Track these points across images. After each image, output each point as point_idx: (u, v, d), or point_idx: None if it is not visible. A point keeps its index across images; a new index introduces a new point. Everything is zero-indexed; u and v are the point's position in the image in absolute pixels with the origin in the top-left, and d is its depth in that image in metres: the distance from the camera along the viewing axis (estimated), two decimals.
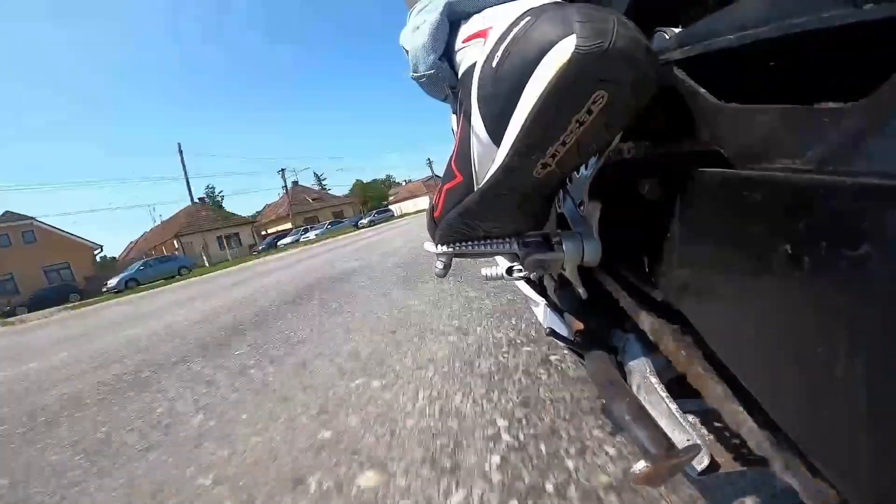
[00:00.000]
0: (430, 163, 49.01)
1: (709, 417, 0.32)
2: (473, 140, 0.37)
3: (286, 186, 38.73)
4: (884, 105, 0.15)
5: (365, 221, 30.17)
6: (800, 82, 0.20)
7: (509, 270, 0.51)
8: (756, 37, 0.20)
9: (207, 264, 22.50)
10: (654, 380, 0.38)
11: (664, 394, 0.36)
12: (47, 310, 15.22)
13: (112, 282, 19.76)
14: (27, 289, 22.85)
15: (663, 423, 0.33)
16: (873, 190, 0.14)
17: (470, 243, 0.45)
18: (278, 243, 27.69)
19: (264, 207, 45.34)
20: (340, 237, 19.26)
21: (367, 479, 0.83)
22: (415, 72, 0.46)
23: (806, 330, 0.18)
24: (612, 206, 0.42)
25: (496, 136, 0.33)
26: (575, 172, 0.52)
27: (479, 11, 0.39)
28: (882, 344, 0.14)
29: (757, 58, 0.22)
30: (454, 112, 0.51)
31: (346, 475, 0.85)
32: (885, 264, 0.14)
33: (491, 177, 0.36)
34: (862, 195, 0.14)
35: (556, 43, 0.26)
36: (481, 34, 0.36)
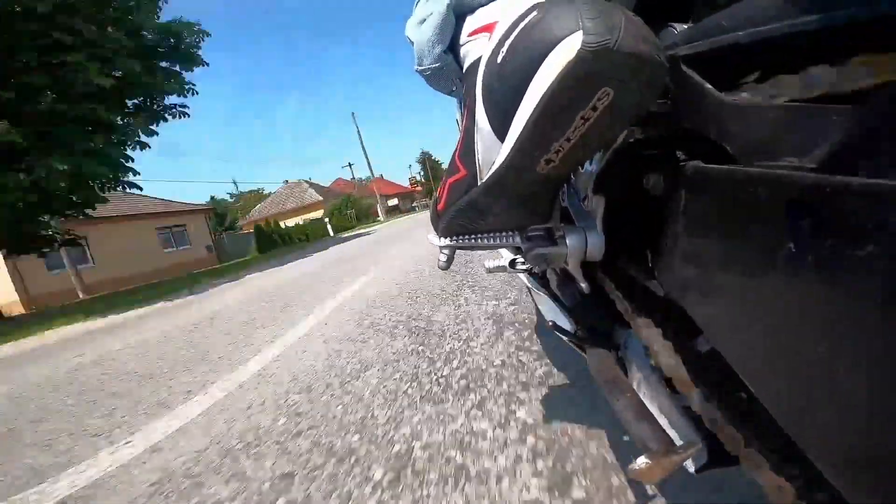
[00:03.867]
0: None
1: (708, 414, 0.32)
2: (477, 135, 0.37)
3: None
4: (892, 104, 0.15)
5: None
6: (808, 80, 0.20)
7: (512, 263, 0.51)
8: (765, 34, 0.20)
9: None
10: (654, 376, 0.38)
11: (664, 390, 0.36)
12: None
13: None
14: None
15: (663, 419, 0.33)
16: (878, 189, 0.14)
17: (473, 236, 0.45)
18: None
19: None
20: None
21: None
22: (420, 65, 0.46)
23: (808, 328, 0.18)
24: (616, 200, 0.41)
25: (500, 131, 0.33)
26: (580, 166, 0.51)
27: (485, 5, 0.39)
28: (884, 345, 0.14)
29: (765, 55, 0.21)
30: (459, 106, 0.51)
31: None
32: (888, 264, 0.14)
33: (495, 172, 0.36)
34: (867, 195, 0.14)
35: (563, 39, 0.26)
36: (487, 28, 0.36)
